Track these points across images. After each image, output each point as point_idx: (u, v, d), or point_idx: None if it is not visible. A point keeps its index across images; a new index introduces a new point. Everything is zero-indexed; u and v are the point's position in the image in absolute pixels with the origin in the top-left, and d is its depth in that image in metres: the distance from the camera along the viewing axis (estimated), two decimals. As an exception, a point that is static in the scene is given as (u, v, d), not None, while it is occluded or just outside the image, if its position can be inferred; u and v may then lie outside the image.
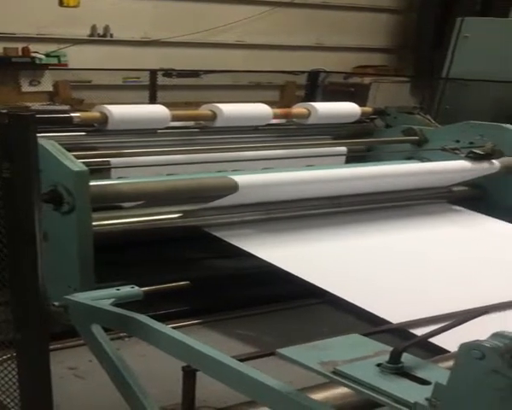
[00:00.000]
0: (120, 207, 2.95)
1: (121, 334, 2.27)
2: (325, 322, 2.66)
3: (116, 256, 2.84)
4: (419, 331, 2.17)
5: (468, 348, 0.98)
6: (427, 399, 1.04)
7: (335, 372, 1.19)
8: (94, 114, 3.42)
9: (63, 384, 2.13)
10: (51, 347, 2.17)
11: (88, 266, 2.46)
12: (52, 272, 2.30)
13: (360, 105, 4.34)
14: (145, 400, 1.63)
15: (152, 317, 1.73)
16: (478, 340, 0.98)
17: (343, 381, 1.17)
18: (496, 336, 0.99)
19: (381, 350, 1.23)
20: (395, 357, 1.17)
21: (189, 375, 1.75)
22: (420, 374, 1.14)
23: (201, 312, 2.74)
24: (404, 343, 1.20)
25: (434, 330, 1.30)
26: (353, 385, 1.16)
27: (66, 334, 2.17)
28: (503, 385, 0.94)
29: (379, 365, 1.18)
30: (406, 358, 1.18)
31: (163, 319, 1.72)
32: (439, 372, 1.10)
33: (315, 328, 2.56)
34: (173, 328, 1.97)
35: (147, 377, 1.75)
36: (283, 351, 1.30)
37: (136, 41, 8.65)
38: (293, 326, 2.65)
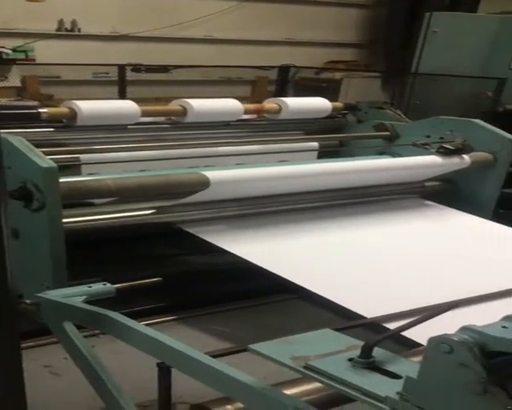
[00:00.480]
0: (92, 204, 2.90)
1: (96, 331, 2.26)
2: (300, 317, 2.66)
3: (89, 254, 2.82)
4: (392, 326, 2.16)
5: (437, 342, 0.99)
6: (398, 393, 1.04)
7: (307, 367, 1.19)
8: (62, 109, 3.38)
9: (38, 382, 2.14)
10: (26, 345, 2.20)
11: (60, 264, 2.44)
12: (24, 270, 2.28)
13: (332, 100, 4.35)
14: (119, 396, 1.62)
15: (126, 314, 1.72)
16: (446, 334, 0.99)
17: (315, 376, 1.18)
18: (464, 330, 0.99)
19: (353, 345, 1.23)
20: (366, 352, 1.17)
21: (164, 371, 1.74)
22: (391, 368, 1.14)
23: (176, 308, 2.74)
24: (375, 338, 1.19)
25: (404, 325, 1.30)
26: (325, 380, 1.16)
27: (40, 332, 2.15)
28: (471, 379, 0.95)
29: (350, 359, 1.18)
30: (378, 352, 1.18)
31: (138, 315, 1.70)
32: (409, 366, 1.10)
33: (289, 323, 2.57)
34: (148, 324, 1.97)
35: (122, 374, 1.76)
36: (255, 347, 1.30)
37: (105, 36, 8.56)
38: (268, 322, 2.65)
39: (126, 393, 1.68)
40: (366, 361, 1.15)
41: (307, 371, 1.16)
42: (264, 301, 2.87)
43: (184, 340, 1.57)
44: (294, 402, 1.25)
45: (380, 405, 1.06)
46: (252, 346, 1.28)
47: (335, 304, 2.43)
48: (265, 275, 2.64)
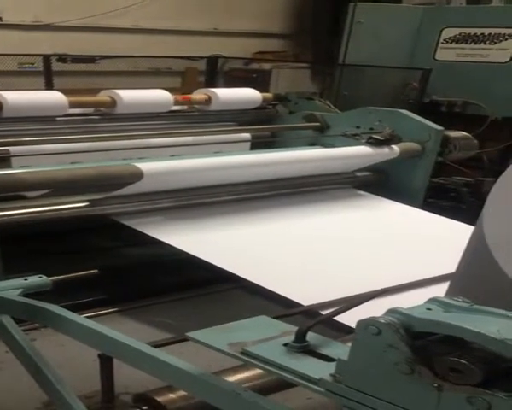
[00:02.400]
0: (24, 198, 2.85)
1: (37, 324, 2.23)
2: (241, 306, 2.69)
3: (23, 248, 2.78)
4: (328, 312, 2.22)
5: (365, 325, 1.02)
6: (331, 374, 1.08)
7: (243, 353, 1.21)
8: (-14, 101, 3.29)
9: None
10: None
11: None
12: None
13: (262, 91, 4.38)
14: (60, 387, 1.61)
15: (66, 307, 1.70)
16: (374, 317, 1.02)
17: (251, 361, 1.20)
18: (391, 312, 1.03)
19: (288, 331, 1.26)
20: (300, 336, 1.20)
21: (105, 362, 1.75)
22: (325, 352, 1.17)
23: (117, 300, 2.72)
24: (309, 323, 1.22)
25: (336, 310, 1.34)
26: (261, 364, 1.18)
27: None
28: (398, 359, 0.99)
29: (285, 344, 1.21)
30: (312, 337, 1.21)
31: (78, 309, 1.69)
32: (342, 349, 1.13)
33: (232, 313, 2.57)
34: (89, 317, 1.96)
35: (65, 366, 1.76)
36: (193, 334, 1.31)
37: (28, 25, 8.32)
38: (210, 312, 2.66)
39: (69, 384, 1.66)
40: (300, 346, 1.18)
41: (244, 357, 1.19)
42: (205, 292, 2.88)
43: (127, 331, 1.57)
44: (234, 388, 1.27)
45: (314, 387, 1.10)
46: (189, 334, 1.30)
47: (274, 293, 2.47)
48: (204, 266, 2.65)
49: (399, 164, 3.78)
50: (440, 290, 1.69)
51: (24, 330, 1.87)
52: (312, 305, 2.35)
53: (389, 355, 0.99)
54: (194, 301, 2.82)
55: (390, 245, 3.15)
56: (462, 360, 0.93)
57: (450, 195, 4.19)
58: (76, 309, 1.72)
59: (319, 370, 1.11)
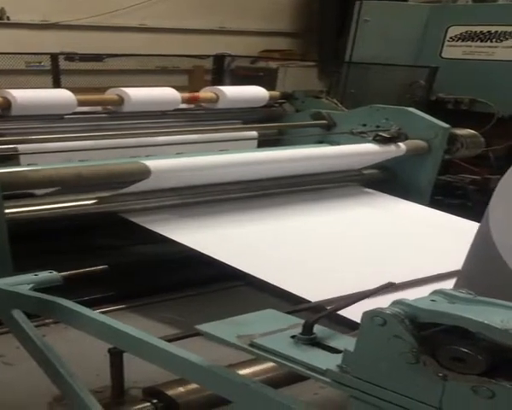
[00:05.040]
0: (32, 195, 2.87)
1: (46, 320, 2.28)
2: (248, 303, 2.67)
3: (33, 245, 2.79)
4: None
5: (371, 316, 1.04)
6: (337, 365, 1.10)
7: (252, 345, 1.23)
8: (-5, 99, 3.31)
9: None
10: None
11: (5, 255, 2.43)
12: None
13: (269, 90, 4.38)
14: (72, 380, 1.62)
15: (77, 303, 1.71)
16: (379, 308, 1.04)
17: (259, 352, 1.22)
18: (396, 303, 1.05)
19: (295, 323, 1.28)
20: (308, 328, 1.22)
21: (116, 356, 1.78)
22: (331, 344, 1.19)
23: (126, 297, 2.75)
24: (316, 316, 1.24)
25: (341, 304, 1.36)
26: (269, 356, 1.20)
27: None
28: (404, 349, 1.00)
29: (293, 337, 1.22)
30: (319, 330, 1.23)
31: (87, 305, 1.70)
32: (348, 341, 1.15)
33: (239, 309, 2.58)
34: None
35: (76, 362, 1.75)
36: (202, 327, 1.33)
37: (36, 24, 8.36)
38: (218, 308, 2.65)
39: (81, 378, 1.68)
40: (308, 338, 1.20)
41: (252, 349, 1.21)
42: (213, 289, 2.90)
43: (135, 328, 1.59)
44: (243, 379, 1.29)
45: (321, 377, 1.11)
46: (198, 326, 1.32)
47: (282, 290, 2.48)
48: (212, 263, 2.66)
49: (406, 162, 3.78)
50: (447, 287, 1.70)
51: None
52: (320, 301, 2.36)
53: (394, 345, 1.00)
54: (202, 298, 2.84)
55: (397, 242, 3.16)
56: (466, 350, 0.95)
57: (457, 192, 4.19)
58: (84, 306, 1.72)
59: (326, 361, 1.13)
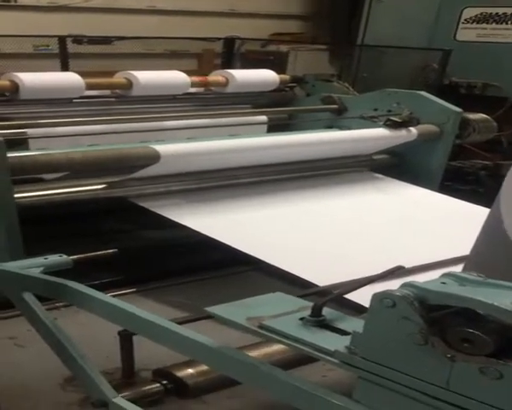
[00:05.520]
0: (41, 180, 2.87)
1: (57, 304, 2.31)
2: (258, 287, 2.69)
3: (44, 230, 2.80)
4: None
5: (381, 297, 1.05)
6: (346, 347, 1.10)
7: (261, 327, 1.23)
8: (3, 82, 3.31)
9: (4, 354, 2.20)
10: None
11: (16, 239, 2.45)
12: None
13: (280, 73, 4.36)
14: (82, 361, 1.64)
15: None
16: (389, 289, 1.05)
17: (268, 334, 1.22)
18: (405, 286, 1.05)
19: (304, 306, 1.28)
20: (316, 311, 1.22)
21: (126, 339, 1.81)
22: (340, 326, 1.20)
23: (136, 281, 2.77)
24: (325, 298, 1.24)
25: (350, 287, 1.36)
26: (278, 338, 1.21)
27: (5, 305, 2.13)
28: (413, 330, 1.01)
29: (302, 319, 1.23)
30: (327, 312, 1.24)
31: (98, 289, 1.70)
32: (357, 323, 1.16)
33: (248, 293, 2.60)
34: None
35: (87, 345, 1.77)
36: (212, 309, 1.34)
37: (43, 6, 8.33)
38: (227, 293, 2.64)
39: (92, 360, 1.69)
40: (316, 320, 1.20)
41: (261, 331, 1.21)
42: (222, 274, 2.92)
43: (145, 310, 1.60)
44: (252, 360, 1.30)
45: (329, 358, 1.12)
46: (208, 308, 1.32)
47: (291, 274, 2.49)
48: (221, 247, 2.67)
49: (417, 147, 3.75)
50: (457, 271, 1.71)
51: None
52: (329, 285, 2.36)
53: (403, 327, 1.00)
54: (211, 282, 2.86)
55: (407, 227, 3.16)
56: (474, 331, 0.94)
57: (468, 178, 4.17)
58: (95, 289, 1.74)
59: (334, 342, 1.13)
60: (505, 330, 0.93)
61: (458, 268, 1.72)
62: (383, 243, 2.91)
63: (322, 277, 2.46)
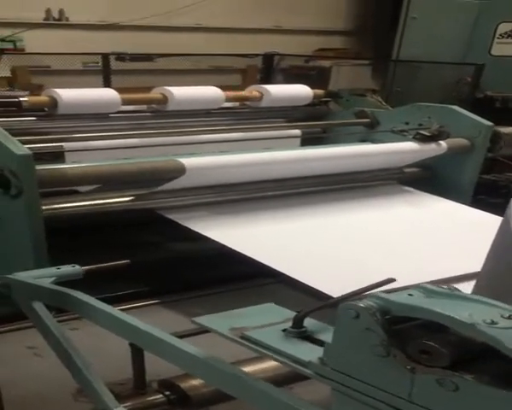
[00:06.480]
0: (76, 192, 2.95)
1: (72, 314, 2.29)
2: (280, 301, 2.69)
3: (71, 242, 2.87)
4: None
5: (346, 308, 1.06)
6: (319, 358, 1.11)
7: (243, 337, 1.25)
8: (43, 98, 3.41)
9: (23, 363, 2.23)
10: (11, 327, 2.30)
11: (41, 250, 2.50)
12: (7, 256, 2.35)
13: (321, 89, 4.39)
14: (88, 373, 1.67)
15: (107, 298, 1.77)
16: (354, 300, 1.06)
17: (249, 345, 1.24)
18: (371, 297, 1.06)
19: (290, 317, 1.29)
20: (298, 322, 1.24)
21: (137, 350, 1.82)
22: (321, 337, 1.21)
23: (158, 293, 2.81)
24: (307, 309, 1.26)
25: (338, 298, 1.35)
26: (257, 348, 1.23)
27: (25, 315, 2.21)
28: (375, 342, 1.01)
29: (284, 330, 1.25)
30: (311, 323, 1.25)
31: (120, 300, 1.75)
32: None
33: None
34: (130, 308, 2.03)
35: (100, 355, 1.82)
36: (198, 319, 1.37)
37: (93, 25, 8.56)
38: (249, 305, 2.69)
39: (98, 371, 1.71)
40: (297, 331, 1.22)
41: (243, 341, 1.23)
42: (245, 286, 2.92)
43: (167, 322, 1.62)
44: (243, 375, 1.31)
45: (304, 369, 1.13)
46: (195, 319, 1.35)
47: (315, 288, 2.47)
48: (245, 260, 2.68)
49: (448, 160, 3.72)
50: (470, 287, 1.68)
51: (63, 320, 1.96)
52: (343, 296, 2.34)
53: (366, 338, 1.01)
54: (234, 294, 2.87)
55: (435, 240, 3.12)
56: (431, 343, 0.95)
57: (502, 191, 4.10)
58: (116, 300, 1.79)
59: (311, 353, 1.14)
60: (463, 342, 0.93)
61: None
62: (410, 257, 2.89)
63: (344, 290, 2.44)
